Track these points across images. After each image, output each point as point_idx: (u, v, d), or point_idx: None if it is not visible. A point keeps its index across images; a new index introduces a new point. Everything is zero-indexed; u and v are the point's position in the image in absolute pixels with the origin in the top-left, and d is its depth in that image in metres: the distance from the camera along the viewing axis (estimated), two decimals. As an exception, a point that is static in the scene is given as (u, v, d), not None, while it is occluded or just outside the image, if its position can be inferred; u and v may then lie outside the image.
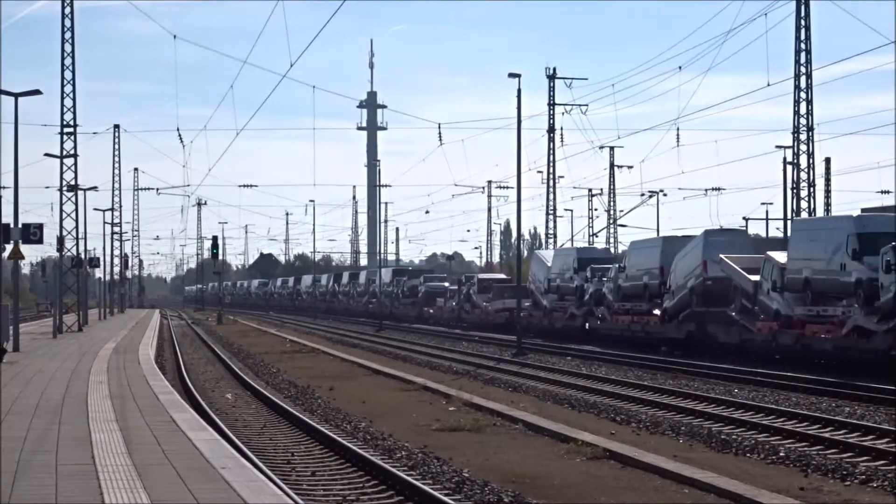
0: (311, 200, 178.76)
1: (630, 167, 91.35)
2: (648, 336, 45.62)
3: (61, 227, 55.15)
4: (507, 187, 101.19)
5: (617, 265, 51.33)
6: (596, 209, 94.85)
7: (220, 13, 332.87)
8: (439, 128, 65.18)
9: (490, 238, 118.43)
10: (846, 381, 28.34)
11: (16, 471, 12.11)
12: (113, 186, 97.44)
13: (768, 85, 54.21)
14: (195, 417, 17.83)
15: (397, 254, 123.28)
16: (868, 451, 17.99)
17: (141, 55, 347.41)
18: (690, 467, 15.88)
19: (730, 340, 39.59)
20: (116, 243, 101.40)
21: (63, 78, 54.25)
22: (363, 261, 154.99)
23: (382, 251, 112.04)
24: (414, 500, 13.90)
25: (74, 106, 54.33)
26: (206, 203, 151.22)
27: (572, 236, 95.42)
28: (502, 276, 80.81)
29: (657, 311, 45.07)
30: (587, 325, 53.07)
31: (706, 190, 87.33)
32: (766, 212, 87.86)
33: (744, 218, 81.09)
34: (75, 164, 54.92)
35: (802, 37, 54.31)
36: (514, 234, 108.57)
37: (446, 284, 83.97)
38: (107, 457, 13.13)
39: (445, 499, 13.47)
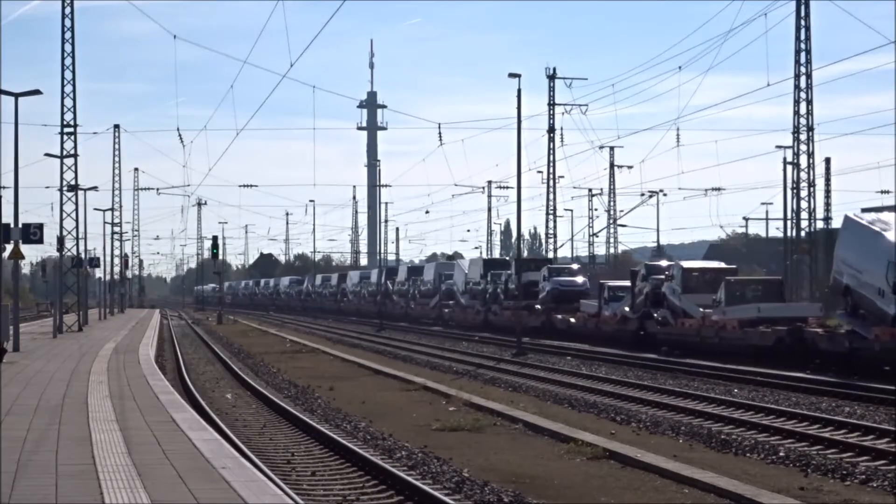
0: (311, 200, 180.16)
1: (630, 167, 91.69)
2: None
3: (61, 227, 55.17)
4: (507, 187, 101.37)
5: None
6: (596, 209, 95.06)
7: (220, 13, 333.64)
8: (439, 128, 65.52)
9: (490, 238, 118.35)
10: (846, 381, 28.34)
11: (16, 471, 12.09)
12: (113, 186, 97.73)
13: (768, 85, 54.71)
14: (195, 417, 17.82)
15: (397, 254, 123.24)
16: (868, 451, 17.99)
17: (141, 55, 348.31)
18: (690, 467, 15.87)
19: None
20: (116, 243, 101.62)
21: (63, 78, 54.28)
22: (363, 261, 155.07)
23: (382, 251, 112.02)
24: (414, 500, 13.89)
25: (74, 106, 54.37)
26: (206, 203, 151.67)
27: (572, 236, 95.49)
28: (720, 263, 49.97)
29: None
30: None
31: (706, 190, 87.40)
32: (766, 212, 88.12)
33: (744, 218, 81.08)
34: (75, 164, 54.95)
35: (802, 37, 54.41)
36: (514, 234, 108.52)
37: (580, 279, 60.45)
38: (107, 457, 13.12)
39: (445, 499, 13.46)
